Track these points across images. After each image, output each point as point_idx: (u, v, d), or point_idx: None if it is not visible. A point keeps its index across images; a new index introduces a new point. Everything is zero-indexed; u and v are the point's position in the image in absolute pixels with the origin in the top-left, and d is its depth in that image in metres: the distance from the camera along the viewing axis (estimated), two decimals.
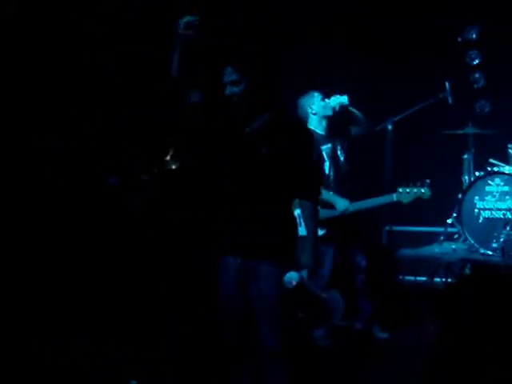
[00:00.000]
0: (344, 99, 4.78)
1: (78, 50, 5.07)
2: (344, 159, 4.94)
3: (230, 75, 3.25)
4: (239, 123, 3.33)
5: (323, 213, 4.66)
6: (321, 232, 4.64)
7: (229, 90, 3.25)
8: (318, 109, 4.83)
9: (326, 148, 4.87)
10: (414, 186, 4.68)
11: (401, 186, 4.72)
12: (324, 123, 4.87)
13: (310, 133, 3.72)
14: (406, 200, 4.67)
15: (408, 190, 4.64)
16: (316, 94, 4.85)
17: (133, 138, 5.14)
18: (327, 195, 4.69)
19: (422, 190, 4.65)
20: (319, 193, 3.52)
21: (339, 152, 4.92)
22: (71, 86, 5.09)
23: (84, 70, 5.13)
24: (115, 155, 5.10)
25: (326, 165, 4.85)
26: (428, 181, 4.72)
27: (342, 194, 4.82)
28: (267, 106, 3.34)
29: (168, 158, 4.95)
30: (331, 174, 4.87)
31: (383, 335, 5.00)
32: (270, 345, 3.22)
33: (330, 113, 4.81)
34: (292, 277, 3.19)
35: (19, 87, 4.81)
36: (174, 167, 4.98)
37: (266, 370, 3.28)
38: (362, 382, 4.30)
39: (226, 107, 3.35)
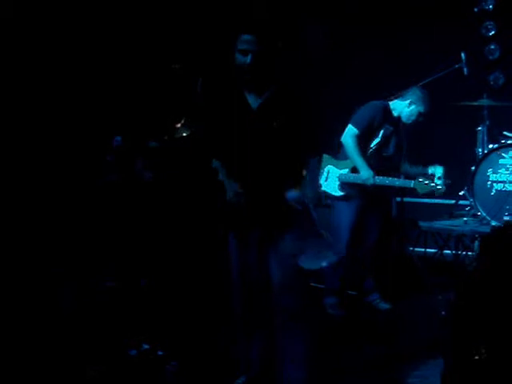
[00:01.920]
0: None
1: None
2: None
3: (253, 44, 3.19)
4: (243, 92, 3.32)
5: (348, 176, 4.88)
6: (340, 193, 4.92)
7: (250, 60, 3.18)
8: (407, 110, 4.92)
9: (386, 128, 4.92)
10: (433, 181, 4.79)
11: (421, 176, 4.83)
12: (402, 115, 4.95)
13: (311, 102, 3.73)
14: (421, 190, 4.78)
15: (426, 182, 4.72)
16: (417, 98, 4.89)
17: (144, 103, 5.11)
18: (358, 160, 4.79)
19: (439, 187, 4.75)
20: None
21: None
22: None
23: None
24: (125, 119, 5.07)
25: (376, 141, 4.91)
26: (449, 181, 4.91)
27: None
28: (274, 78, 3.33)
29: (179, 125, 4.91)
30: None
31: (384, 306, 5.06)
32: (292, 307, 3.28)
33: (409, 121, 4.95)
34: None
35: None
36: (184, 134, 4.95)
37: (283, 335, 3.33)
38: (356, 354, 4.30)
39: (235, 76, 3.32)
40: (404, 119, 4.94)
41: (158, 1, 5.78)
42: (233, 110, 3.33)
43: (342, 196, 4.91)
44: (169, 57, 5.26)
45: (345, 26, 6.81)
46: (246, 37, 3.20)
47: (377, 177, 4.75)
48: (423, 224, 5.69)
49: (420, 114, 4.92)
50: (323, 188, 4.97)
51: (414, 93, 4.91)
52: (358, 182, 4.81)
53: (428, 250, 5.82)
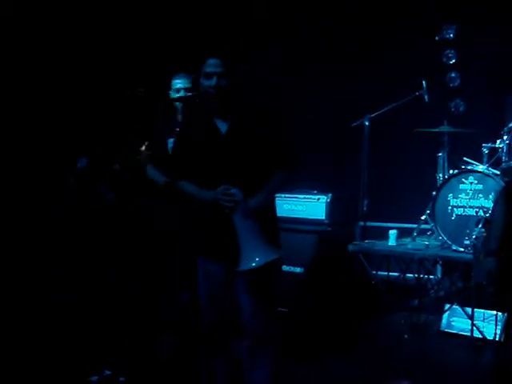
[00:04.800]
0: None
1: None
2: None
3: (217, 67, 3.26)
4: (212, 117, 3.37)
5: None
6: None
7: (215, 82, 3.26)
8: None
9: None
10: None
11: None
12: None
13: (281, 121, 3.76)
14: None
15: None
16: None
17: (107, 126, 5.12)
18: None
19: None
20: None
21: None
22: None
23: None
24: (89, 141, 5.07)
25: None
26: None
27: None
28: (240, 101, 3.38)
29: (143, 148, 4.91)
30: None
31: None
32: (261, 332, 3.33)
33: None
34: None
35: None
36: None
37: (250, 360, 3.38)
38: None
39: (201, 100, 3.37)
40: None
41: (120, 25, 5.82)
42: (202, 135, 3.38)
43: None
44: (134, 80, 5.28)
45: (307, 50, 6.91)
46: (210, 61, 3.28)
47: None
48: (385, 248, 5.75)
49: None
50: None
51: None
52: None
53: (391, 273, 5.88)
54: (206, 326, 3.44)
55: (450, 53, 6.77)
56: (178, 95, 4.31)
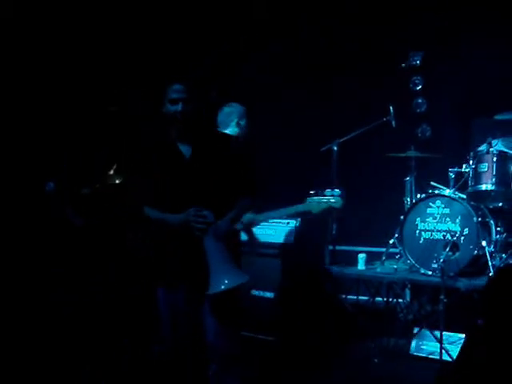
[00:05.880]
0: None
1: None
2: None
3: (182, 93, 3.29)
4: (175, 142, 3.39)
5: None
6: None
7: (181, 107, 3.28)
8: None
9: None
10: (325, 195, 4.37)
11: (310, 196, 4.42)
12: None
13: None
14: (315, 210, 4.36)
15: (317, 200, 4.34)
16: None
17: (77, 149, 5.08)
18: None
19: (333, 200, 4.33)
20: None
21: None
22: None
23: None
24: (57, 164, 5.02)
25: None
26: (339, 191, 4.41)
27: None
28: (204, 125, 3.42)
29: (111, 172, 4.88)
30: None
31: None
32: (226, 354, 3.36)
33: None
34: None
35: None
36: (117, 182, 4.92)
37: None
38: None
39: (168, 124, 3.39)
40: None
41: (119, 26, 5.81)
42: (166, 160, 3.38)
43: None
44: (104, 100, 5.26)
45: (277, 76, 6.95)
46: (175, 86, 3.31)
47: (256, 216, 4.69)
48: (355, 272, 5.76)
49: None
50: None
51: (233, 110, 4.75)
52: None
53: (360, 297, 5.89)
54: (171, 355, 3.41)
55: (417, 79, 6.88)
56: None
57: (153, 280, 3.47)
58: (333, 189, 4.39)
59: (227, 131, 4.61)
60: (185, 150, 3.40)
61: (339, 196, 4.33)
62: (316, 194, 4.38)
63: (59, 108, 5.28)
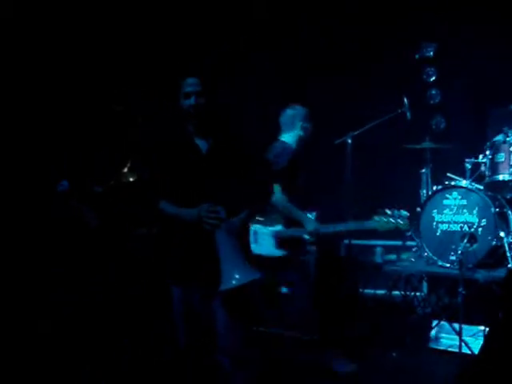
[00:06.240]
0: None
1: None
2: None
3: (196, 86, 3.29)
4: (192, 137, 3.38)
5: (286, 232, 4.57)
6: (280, 253, 4.57)
7: (194, 101, 3.27)
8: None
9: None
10: (392, 216, 4.37)
11: (377, 214, 4.42)
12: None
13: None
14: (382, 228, 4.40)
15: (385, 220, 4.35)
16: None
17: (89, 147, 5.08)
18: (298, 215, 4.54)
19: (401, 222, 4.34)
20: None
21: None
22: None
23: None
24: (70, 164, 5.03)
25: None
26: (406, 212, 4.42)
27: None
28: (219, 120, 3.40)
29: (125, 170, 4.88)
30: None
31: (349, 368, 4.60)
32: (236, 351, 3.34)
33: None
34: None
35: None
36: (131, 179, 4.92)
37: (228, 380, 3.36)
38: None
39: (181, 119, 3.38)
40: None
41: (119, 26, 5.83)
42: (183, 155, 3.37)
43: (284, 256, 4.56)
44: (111, 99, 5.26)
45: (293, 69, 6.93)
46: (189, 80, 3.31)
47: (321, 226, 4.56)
48: (372, 265, 5.73)
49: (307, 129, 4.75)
50: (254, 251, 4.32)
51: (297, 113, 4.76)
52: (298, 235, 4.58)
53: (377, 291, 5.85)
54: (186, 349, 3.41)
55: (430, 70, 6.83)
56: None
57: (165, 278, 3.46)
58: (399, 209, 4.39)
59: (291, 133, 4.65)
60: (202, 144, 3.38)
61: (407, 218, 4.32)
62: (384, 213, 4.36)
63: (65, 107, 5.28)
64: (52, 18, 5.39)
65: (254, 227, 4.56)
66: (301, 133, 4.70)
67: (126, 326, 4.48)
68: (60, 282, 4.63)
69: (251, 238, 4.35)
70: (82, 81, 5.45)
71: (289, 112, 4.75)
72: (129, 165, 4.79)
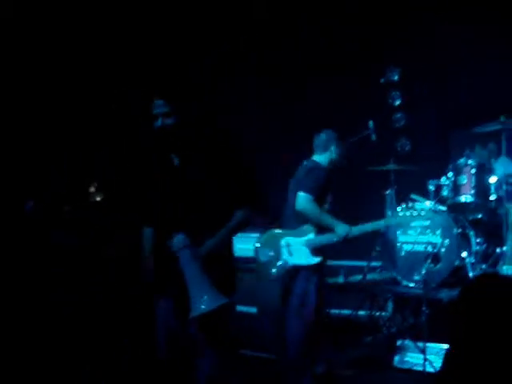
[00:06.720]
0: None
1: None
2: None
3: (160, 107, 3.31)
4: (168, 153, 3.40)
5: (319, 240, 4.64)
6: (316, 259, 4.63)
7: (160, 122, 3.30)
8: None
9: None
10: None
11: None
12: None
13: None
14: (408, 221, 5.05)
15: (408, 213, 4.73)
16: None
17: (56, 168, 5.07)
18: (328, 220, 4.65)
19: (423, 212, 4.74)
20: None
21: None
22: None
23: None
24: (38, 185, 5.00)
25: None
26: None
27: None
28: (195, 137, 3.42)
29: (92, 189, 4.88)
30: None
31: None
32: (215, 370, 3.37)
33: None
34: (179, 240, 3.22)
35: None
36: (98, 199, 4.91)
37: None
38: None
39: (158, 137, 3.40)
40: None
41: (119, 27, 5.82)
42: (155, 171, 3.40)
43: (317, 262, 4.62)
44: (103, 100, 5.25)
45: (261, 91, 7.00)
46: (155, 102, 3.34)
47: (353, 227, 4.70)
48: (337, 285, 5.77)
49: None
50: (291, 262, 4.62)
51: (330, 137, 4.90)
52: (331, 241, 4.69)
53: (343, 311, 5.89)
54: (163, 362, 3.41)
55: (395, 94, 6.97)
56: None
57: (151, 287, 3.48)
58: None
59: (324, 155, 4.82)
60: (176, 158, 3.41)
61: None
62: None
63: (55, 110, 5.27)
64: (52, 18, 5.38)
65: (284, 240, 4.67)
66: (334, 155, 4.84)
67: (126, 326, 4.45)
68: (60, 282, 4.60)
69: (284, 251, 4.63)
70: (82, 81, 5.43)
71: (322, 136, 4.91)
72: (95, 184, 4.79)
